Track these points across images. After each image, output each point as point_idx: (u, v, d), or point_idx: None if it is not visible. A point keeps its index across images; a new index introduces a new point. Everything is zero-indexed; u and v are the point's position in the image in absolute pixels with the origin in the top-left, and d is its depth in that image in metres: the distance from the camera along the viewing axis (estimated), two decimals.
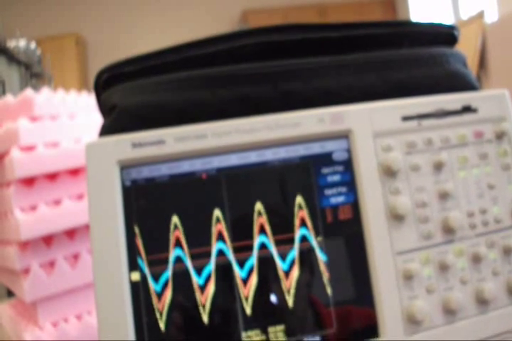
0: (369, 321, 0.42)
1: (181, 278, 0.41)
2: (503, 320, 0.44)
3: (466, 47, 3.52)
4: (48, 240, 0.65)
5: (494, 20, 3.50)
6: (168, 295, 0.41)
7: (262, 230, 0.42)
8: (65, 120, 0.69)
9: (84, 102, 0.75)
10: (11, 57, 1.80)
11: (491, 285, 0.44)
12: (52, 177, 0.66)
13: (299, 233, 0.42)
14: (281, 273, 0.42)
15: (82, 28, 4.91)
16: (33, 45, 2.00)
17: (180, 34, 4.75)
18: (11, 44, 1.87)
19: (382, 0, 5.17)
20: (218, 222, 0.42)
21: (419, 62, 0.50)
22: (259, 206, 0.42)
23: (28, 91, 0.67)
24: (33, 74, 1.98)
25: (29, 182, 0.64)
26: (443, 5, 4.35)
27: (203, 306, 0.41)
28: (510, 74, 3.22)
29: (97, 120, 0.68)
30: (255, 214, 0.42)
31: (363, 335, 0.42)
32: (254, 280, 0.41)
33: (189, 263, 0.41)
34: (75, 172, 0.68)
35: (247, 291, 0.41)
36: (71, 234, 0.67)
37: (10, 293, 0.92)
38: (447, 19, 4.26)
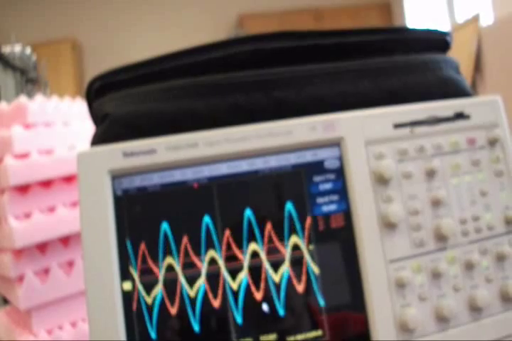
0: (362, 328, 0.42)
1: (172, 288, 0.41)
2: (496, 327, 0.44)
3: (462, 51, 3.52)
4: (42, 247, 0.65)
5: (490, 24, 3.50)
6: (159, 304, 0.41)
7: (254, 239, 0.42)
8: (59, 127, 0.69)
9: (78, 109, 0.75)
10: (6, 62, 1.80)
11: (484, 293, 0.44)
12: (46, 184, 0.66)
13: (290, 241, 0.42)
14: (272, 282, 0.42)
15: (77, 33, 4.91)
16: (28, 50, 1.99)
17: (176, 39, 4.76)
18: (6, 49, 1.86)
19: (378, 4, 5.18)
20: (209, 231, 0.42)
21: (411, 69, 0.50)
22: (250, 215, 0.42)
23: (22, 99, 0.67)
24: (29, 79, 1.98)
25: (23, 189, 0.64)
26: (438, 8, 4.35)
27: (194, 315, 0.41)
28: (506, 77, 3.22)
29: (92, 127, 0.68)
30: (246, 223, 0.42)
31: None
32: (245, 288, 0.41)
33: (180, 273, 0.41)
34: (69, 179, 0.68)
35: (239, 300, 0.41)
36: (65, 241, 0.67)
37: (5, 301, 0.92)
38: (443, 23, 4.27)
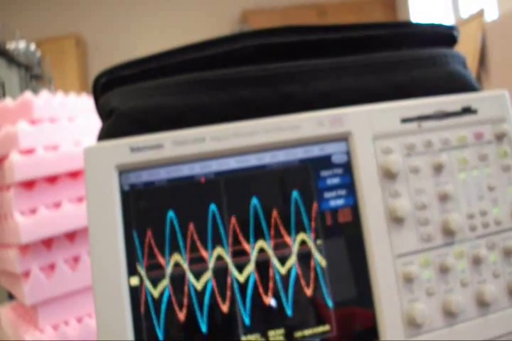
0: (369, 323, 0.42)
1: (180, 283, 0.41)
2: (504, 322, 0.44)
3: (467, 46, 3.51)
4: (48, 243, 0.65)
5: (494, 19, 3.49)
6: (166, 300, 0.40)
7: (261, 233, 0.42)
8: (65, 122, 0.69)
9: (83, 104, 0.75)
10: (10, 59, 1.80)
11: (492, 288, 0.44)
12: (52, 180, 0.66)
13: (298, 236, 0.42)
14: (280, 277, 0.42)
15: (82, 29, 4.91)
16: (32, 46, 2.00)
17: (180, 34, 4.74)
18: (11, 46, 1.87)
19: None
20: (217, 225, 0.42)
21: (418, 64, 0.50)
22: (258, 209, 0.42)
23: (27, 94, 0.67)
24: (33, 75, 1.98)
25: (29, 185, 0.64)
26: (443, 4, 4.34)
27: (202, 311, 0.41)
28: (511, 72, 3.21)
29: (97, 122, 0.68)
30: (254, 217, 0.42)
31: (364, 338, 0.42)
32: (252, 284, 0.41)
33: (187, 268, 0.41)
34: (74, 174, 0.67)
35: (246, 295, 0.41)
36: (71, 236, 0.67)
37: (11, 296, 0.92)
38: (447, 18, 4.25)
